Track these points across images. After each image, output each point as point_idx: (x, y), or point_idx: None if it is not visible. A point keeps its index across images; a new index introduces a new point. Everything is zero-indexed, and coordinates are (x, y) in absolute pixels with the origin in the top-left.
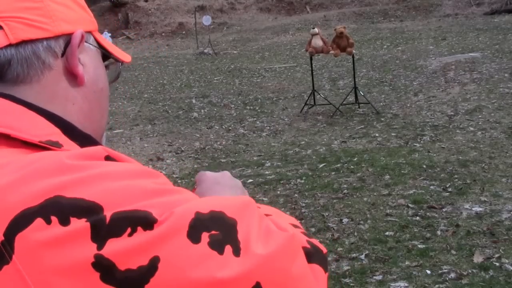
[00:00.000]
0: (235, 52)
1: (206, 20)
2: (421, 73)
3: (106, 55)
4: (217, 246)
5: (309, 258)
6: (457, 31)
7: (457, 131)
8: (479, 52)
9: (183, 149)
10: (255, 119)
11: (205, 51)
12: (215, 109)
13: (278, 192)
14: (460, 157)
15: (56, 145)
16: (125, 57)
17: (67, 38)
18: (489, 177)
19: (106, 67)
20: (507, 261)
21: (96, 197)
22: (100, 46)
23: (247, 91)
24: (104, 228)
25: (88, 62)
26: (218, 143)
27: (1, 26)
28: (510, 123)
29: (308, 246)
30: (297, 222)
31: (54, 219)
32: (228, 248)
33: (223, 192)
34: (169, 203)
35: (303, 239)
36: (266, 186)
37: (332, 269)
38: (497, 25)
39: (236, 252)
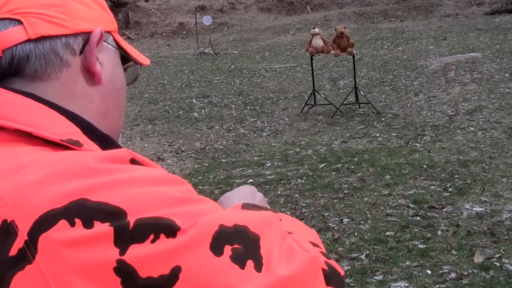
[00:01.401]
0: (235, 52)
1: (207, 20)
2: (422, 73)
3: (125, 56)
4: (239, 260)
5: (327, 281)
6: (457, 31)
7: (458, 131)
8: (480, 52)
9: (183, 149)
10: (255, 119)
11: (206, 51)
12: (216, 109)
13: (279, 192)
14: (461, 157)
15: (77, 144)
16: (144, 60)
17: (86, 36)
18: (489, 177)
19: (125, 69)
20: (507, 261)
21: (120, 202)
22: (119, 47)
23: (247, 91)
24: (127, 233)
25: (106, 61)
26: (219, 143)
27: (21, 21)
28: (511, 123)
29: (326, 267)
30: (317, 239)
31: (78, 221)
32: (250, 263)
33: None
34: (193, 212)
35: (321, 260)
36: (267, 186)
37: None
38: (497, 25)
39: (258, 267)
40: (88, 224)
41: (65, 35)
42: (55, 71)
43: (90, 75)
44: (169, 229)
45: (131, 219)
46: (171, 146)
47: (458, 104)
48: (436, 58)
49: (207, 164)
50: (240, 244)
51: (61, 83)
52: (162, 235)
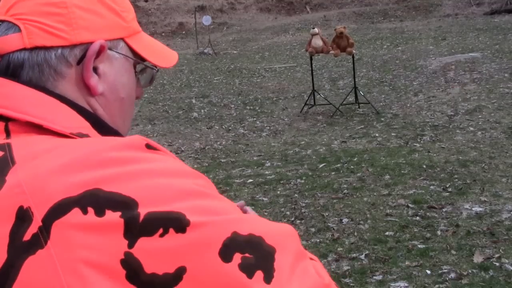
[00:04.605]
0: (235, 52)
1: (206, 20)
2: (421, 73)
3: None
4: (247, 269)
5: None
6: (457, 31)
7: (457, 131)
8: (479, 52)
9: (183, 149)
10: (255, 119)
11: (205, 51)
12: (215, 109)
13: (278, 192)
14: (460, 157)
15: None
16: (165, 61)
17: (86, 47)
18: (489, 177)
19: (143, 70)
20: (507, 261)
21: (132, 193)
22: (134, 53)
23: (247, 91)
24: (137, 226)
25: (109, 71)
26: (218, 143)
27: (19, 28)
28: (510, 123)
29: None
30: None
31: (90, 210)
32: (259, 273)
33: None
34: (206, 207)
35: None
36: (266, 186)
37: (332, 269)
38: (497, 25)
39: (268, 279)
40: (100, 213)
41: (62, 47)
42: (50, 80)
43: (87, 86)
44: (179, 224)
45: (142, 211)
46: (170, 146)
47: (457, 104)
48: (435, 58)
49: (207, 164)
50: (251, 254)
51: (59, 91)
52: (171, 230)
